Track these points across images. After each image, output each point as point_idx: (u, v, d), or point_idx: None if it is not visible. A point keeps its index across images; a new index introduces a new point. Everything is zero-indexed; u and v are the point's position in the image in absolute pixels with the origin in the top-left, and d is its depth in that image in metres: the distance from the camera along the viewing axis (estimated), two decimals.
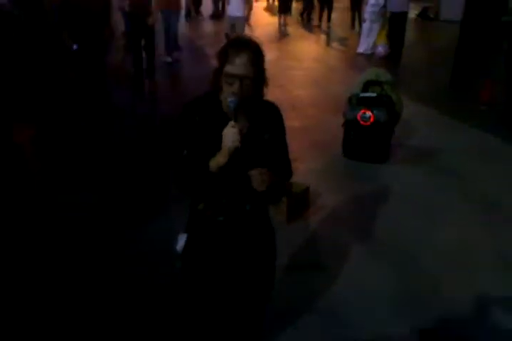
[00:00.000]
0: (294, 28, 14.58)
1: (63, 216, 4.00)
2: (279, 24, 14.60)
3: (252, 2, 9.40)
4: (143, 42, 7.61)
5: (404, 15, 10.34)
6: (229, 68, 1.81)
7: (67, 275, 3.31)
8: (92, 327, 2.87)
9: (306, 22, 15.42)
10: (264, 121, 2.00)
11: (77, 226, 3.87)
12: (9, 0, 6.85)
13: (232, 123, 1.78)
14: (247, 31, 9.23)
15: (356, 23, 14.01)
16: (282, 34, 13.70)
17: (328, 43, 12.92)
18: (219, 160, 1.82)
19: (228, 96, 1.83)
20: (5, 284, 3.16)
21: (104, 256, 3.54)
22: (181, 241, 2.09)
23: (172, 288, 2.68)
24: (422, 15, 16.84)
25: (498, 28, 8.84)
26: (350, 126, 5.34)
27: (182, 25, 14.00)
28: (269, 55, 8.01)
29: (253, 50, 1.83)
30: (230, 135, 1.76)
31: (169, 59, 9.56)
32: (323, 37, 13.78)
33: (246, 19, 9.22)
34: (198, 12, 15.99)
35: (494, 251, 3.76)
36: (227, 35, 9.11)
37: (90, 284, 3.24)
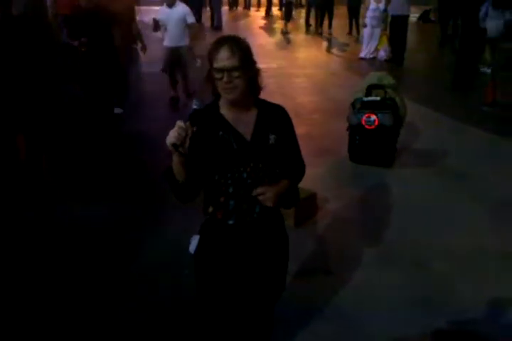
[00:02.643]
0: (294, 35, 14.66)
1: (73, 227, 4.04)
2: (282, 31, 14.67)
3: (196, 28, 7.44)
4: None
5: (405, 18, 10.40)
6: (214, 65, 1.88)
7: (74, 286, 3.34)
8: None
9: (307, 29, 15.51)
10: (269, 122, 2.02)
11: (87, 237, 3.91)
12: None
13: (178, 122, 1.79)
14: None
15: (354, 28, 14.09)
16: (286, 41, 13.76)
17: (329, 49, 12.98)
18: (173, 168, 1.86)
19: (195, 100, 1.88)
20: (11, 294, 3.19)
21: (114, 266, 3.57)
22: (194, 242, 2.13)
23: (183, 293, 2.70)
24: (423, 18, 16.89)
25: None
26: (355, 130, 5.36)
27: None
28: (272, 63, 8.05)
29: (232, 41, 1.88)
30: (170, 132, 1.77)
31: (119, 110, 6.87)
32: (324, 43, 13.85)
33: (191, 48, 7.18)
34: (199, 23, 16.14)
35: (505, 252, 3.74)
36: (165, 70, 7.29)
37: (99, 294, 3.27)
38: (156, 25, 7.07)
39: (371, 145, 5.30)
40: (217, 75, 1.87)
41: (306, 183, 4.54)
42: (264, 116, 2.03)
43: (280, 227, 2.21)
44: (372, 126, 5.23)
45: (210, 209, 2.05)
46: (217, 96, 1.99)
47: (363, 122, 5.25)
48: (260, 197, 1.93)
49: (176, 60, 7.14)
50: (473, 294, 3.25)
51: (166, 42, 7.10)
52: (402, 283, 3.39)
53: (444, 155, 5.61)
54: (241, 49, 1.88)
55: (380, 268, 3.56)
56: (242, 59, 1.86)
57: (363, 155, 5.40)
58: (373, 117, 5.20)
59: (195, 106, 1.87)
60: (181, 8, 6.91)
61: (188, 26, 7.01)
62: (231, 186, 1.97)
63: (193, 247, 2.13)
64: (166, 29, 7.03)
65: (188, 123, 1.79)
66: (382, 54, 10.83)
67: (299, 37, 14.59)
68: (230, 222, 2.03)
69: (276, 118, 2.05)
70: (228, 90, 1.88)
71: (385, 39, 10.78)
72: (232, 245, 2.08)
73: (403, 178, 5.08)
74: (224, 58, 1.85)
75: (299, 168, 2.17)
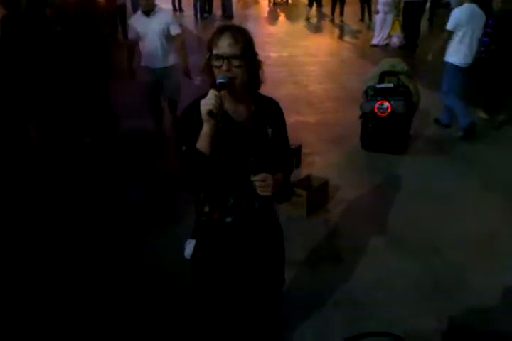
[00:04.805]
0: (306, 23, 14.53)
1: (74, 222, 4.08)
2: (307, 17, 14.52)
3: (182, 42, 5.35)
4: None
5: (419, 4, 10.23)
6: (214, 51, 1.83)
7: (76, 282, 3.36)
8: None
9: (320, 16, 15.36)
10: (266, 116, 2.00)
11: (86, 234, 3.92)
12: None
13: (212, 90, 1.75)
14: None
15: (366, 15, 13.92)
16: (297, 29, 13.63)
17: (341, 37, 12.85)
18: (203, 130, 1.79)
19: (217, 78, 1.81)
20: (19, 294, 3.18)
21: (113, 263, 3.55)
22: (189, 247, 2.07)
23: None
24: (435, 2, 16.60)
25: None
26: (368, 118, 5.32)
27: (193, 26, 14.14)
28: (283, 51, 7.90)
29: (236, 30, 1.85)
30: (206, 100, 1.74)
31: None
32: (336, 30, 13.71)
33: (187, 72, 5.37)
34: (210, 12, 16.08)
35: None
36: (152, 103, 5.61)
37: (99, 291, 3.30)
38: (130, 49, 5.33)
39: (384, 132, 5.26)
40: (217, 63, 1.82)
41: (319, 171, 4.59)
42: (261, 110, 1.99)
43: (274, 220, 2.18)
44: (385, 114, 5.18)
45: (207, 209, 1.99)
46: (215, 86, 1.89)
47: (376, 109, 5.20)
48: (259, 184, 1.85)
49: (158, 86, 5.38)
50: (485, 281, 3.23)
51: (144, 62, 5.32)
52: (413, 271, 3.37)
53: (457, 142, 5.55)
54: (244, 38, 1.83)
55: (391, 256, 3.55)
56: (243, 48, 1.81)
57: (375, 143, 5.36)
58: (386, 104, 5.16)
59: (221, 80, 1.80)
60: (163, 16, 5.18)
61: (174, 39, 5.25)
62: (231, 182, 1.93)
63: (188, 252, 2.06)
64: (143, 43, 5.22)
65: (222, 91, 1.77)
66: (395, 40, 10.69)
67: (310, 24, 14.46)
68: (228, 220, 1.98)
69: (271, 112, 2.03)
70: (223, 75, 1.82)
71: (397, 25, 10.64)
72: (230, 244, 2.04)
73: (416, 165, 5.04)
74: (225, 45, 1.80)
75: (289, 162, 2.17)
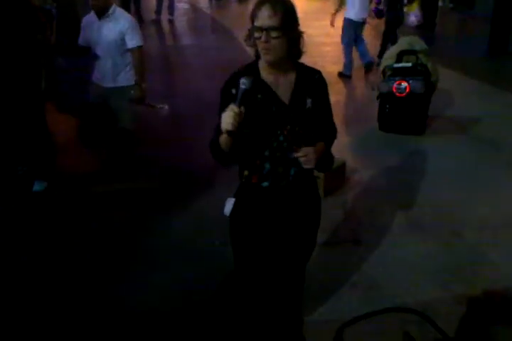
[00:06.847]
0: (322, 2, 14.30)
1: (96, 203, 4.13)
2: None
3: (141, 60, 4.12)
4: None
5: None
6: (255, 23, 1.86)
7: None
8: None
9: None
10: (307, 86, 2.01)
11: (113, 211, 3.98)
12: None
13: (231, 105, 1.79)
14: None
15: None
16: (313, 9, 13.42)
17: None
18: (221, 140, 1.87)
19: (242, 78, 1.82)
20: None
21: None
22: (229, 204, 2.17)
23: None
24: None
25: None
26: (386, 98, 5.24)
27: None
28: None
29: (274, 1, 1.84)
30: (225, 117, 1.78)
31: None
32: None
33: (140, 98, 4.19)
34: None
35: None
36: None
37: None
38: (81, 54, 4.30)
39: (402, 113, 5.19)
40: (257, 34, 1.85)
41: (335, 152, 4.52)
42: (302, 80, 2.01)
43: (313, 189, 2.24)
44: (403, 94, 5.10)
45: (246, 173, 2.08)
46: (257, 58, 1.98)
47: (394, 89, 5.12)
48: (302, 159, 1.91)
49: (107, 109, 4.24)
50: (506, 263, 3.20)
51: (94, 78, 4.24)
52: (432, 252, 3.35)
53: (476, 122, 5.46)
54: (284, 9, 1.84)
55: (409, 237, 3.52)
56: (283, 19, 1.82)
57: (393, 124, 5.29)
58: (404, 84, 5.07)
59: (243, 86, 1.81)
60: (117, 22, 3.98)
61: (131, 53, 4.08)
62: (267, 149, 1.99)
63: (228, 209, 2.16)
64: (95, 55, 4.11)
65: (242, 108, 1.79)
66: (413, 19, 10.48)
67: (326, 4, 14.22)
68: (265, 184, 2.06)
69: (313, 83, 2.04)
70: (265, 50, 1.86)
71: (416, 3, 10.42)
72: (266, 207, 2.11)
73: (434, 146, 4.97)
74: (265, 17, 1.82)
75: (331, 132, 2.20)
